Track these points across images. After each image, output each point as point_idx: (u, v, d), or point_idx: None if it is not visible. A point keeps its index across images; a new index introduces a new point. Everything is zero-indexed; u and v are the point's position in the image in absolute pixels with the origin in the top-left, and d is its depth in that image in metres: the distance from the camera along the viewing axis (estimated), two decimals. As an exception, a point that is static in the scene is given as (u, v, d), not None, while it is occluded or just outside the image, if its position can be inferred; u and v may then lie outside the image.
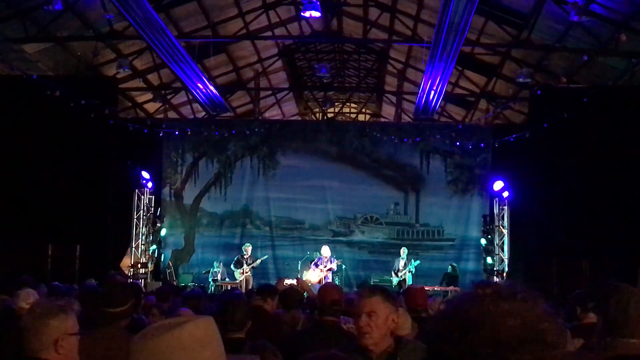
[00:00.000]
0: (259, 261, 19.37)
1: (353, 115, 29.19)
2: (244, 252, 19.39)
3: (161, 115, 22.54)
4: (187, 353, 1.83)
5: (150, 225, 20.52)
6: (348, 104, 28.41)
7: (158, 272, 20.43)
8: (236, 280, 18.90)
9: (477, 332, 1.35)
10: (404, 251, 19.36)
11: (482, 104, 22.78)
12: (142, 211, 20.40)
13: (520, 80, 17.78)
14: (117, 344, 4.26)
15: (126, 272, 19.27)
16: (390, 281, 19.10)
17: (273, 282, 19.91)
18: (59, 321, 3.48)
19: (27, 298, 5.79)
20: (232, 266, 19.26)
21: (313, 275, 18.55)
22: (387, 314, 3.82)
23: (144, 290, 6.94)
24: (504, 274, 19.18)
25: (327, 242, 20.12)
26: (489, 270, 19.77)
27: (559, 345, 1.39)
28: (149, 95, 21.85)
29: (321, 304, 5.11)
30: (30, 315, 3.48)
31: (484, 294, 1.43)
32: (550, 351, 1.36)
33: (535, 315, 1.38)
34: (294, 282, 13.54)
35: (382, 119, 28.01)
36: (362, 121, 27.71)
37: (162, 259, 20.84)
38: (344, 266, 19.69)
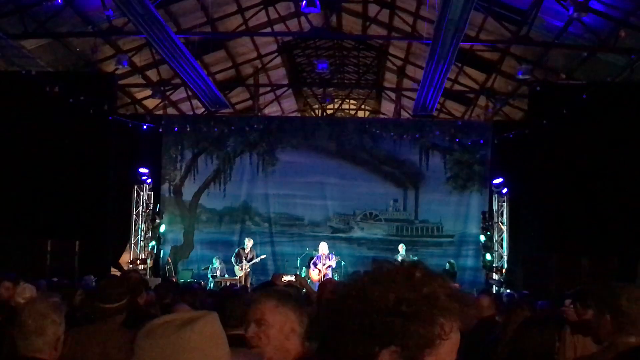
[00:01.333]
0: (258, 259, 19.33)
1: (352, 112, 29.19)
2: (245, 246, 19.39)
3: (160, 112, 22.54)
4: (199, 352, 1.78)
5: (149, 221, 20.56)
6: (347, 100, 28.40)
7: (157, 268, 20.45)
8: (236, 276, 18.91)
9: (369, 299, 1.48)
10: (402, 248, 19.35)
11: (482, 100, 22.76)
12: (141, 207, 20.44)
13: (520, 76, 17.79)
14: (113, 339, 4.26)
15: (125, 268, 19.28)
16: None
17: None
18: (60, 319, 3.46)
19: (23, 292, 5.78)
20: (232, 259, 19.23)
21: (313, 274, 18.57)
22: (282, 323, 3.18)
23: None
24: (503, 270, 19.21)
25: (326, 239, 20.11)
26: (488, 267, 19.79)
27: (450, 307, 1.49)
28: (148, 92, 21.86)
29: (320, 299, 5.11)
30: (32, 314, 3.42)
31: (362, 279, 1.56)
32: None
33: (403, 281, 1.51)
34: (292, 278, 13.51)
35: (382, 116, 28.01)
36: (361, 117, 27.70)
37: (161, 255, 20.85)
38: (343, 262, 19.68)
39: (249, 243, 19.49)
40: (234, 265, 19.16)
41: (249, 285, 17.22)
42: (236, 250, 19.45)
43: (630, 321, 3.32)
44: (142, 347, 1.80)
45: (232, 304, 4.31)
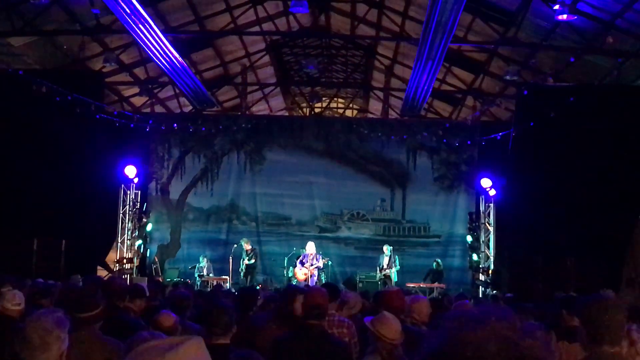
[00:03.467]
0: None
1: (340, 111, 29.18)
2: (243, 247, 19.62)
3: (148, 109, 22.45)
4: None
5: (136, 220, 20.51)
6: (335, 99, 28.38)
7: (144, 267, 20.38)
8: (224, 275, 19.06)
9: (473, 352, 1.33)
10: (387, 248, 19.35)
11: (469, 100, 22.81)
12: (128, 206, 20.38)
13: (507, 77, 17.86)
14: (90, 347, 4.26)
15: (112, 267, 19.23)
16: (376, 277, 19.17)
17: (261, 277, 20.08)
18: (64, 334, 3.45)
19: (13, 299, 5.74)
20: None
21: (299, 274, 18.57)
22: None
23: (147, 292, 6.89)
24: (490, 271, 19.27)
25: (314, 238, 20.13)
26: (475, 267, 19.85)
27: (545, 357, 1.38)
28: (136, 89, 21.78)
29: (304, 308, 5.10)
30: (37, 330, 3.40)
31: (459, 323, 1.40)
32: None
33: (516, 334, 1.37)
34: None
35: (370, 115, 28.01)
36: (349, 117, 27.72)
37: (147, 254, 20.81)
38: (330, 262, 19.71)
39: (246, 245, 19.68)
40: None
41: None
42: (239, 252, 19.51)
43: (601, 330, 3.36)
44: None
45: (218, 313, 4.29)
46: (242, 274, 19.42)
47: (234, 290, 14.74)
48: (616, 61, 16.33)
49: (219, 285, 16.28)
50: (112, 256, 19.68)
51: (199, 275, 19.28)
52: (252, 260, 19.45)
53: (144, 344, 1.88)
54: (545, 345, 1.40)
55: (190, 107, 21.74)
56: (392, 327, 5.08)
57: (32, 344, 3.35)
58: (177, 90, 21.14)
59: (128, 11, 13.64)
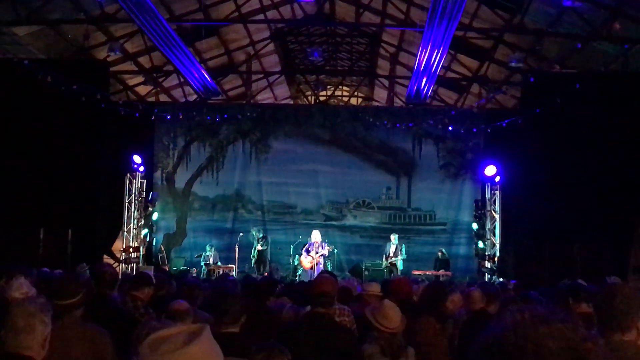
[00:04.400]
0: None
1: (345, 99, 29.12)
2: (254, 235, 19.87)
3: (153, 98, 22.45)
4: None
5: (142, 209, 20.51)
6: (340, 87, 28.32)
7: (150, 256, 20.43)
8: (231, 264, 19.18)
9: (520, 358, 1.34)
10: (394, 237, 19.36)
11: (475, 87, 22.76)
12: (134, 195, 20.39)
13: (513, 64, 17.78)
14: (71, 335, 4.29)
15: (118, 256, 19.27)
16: (381, 265, 19.21)
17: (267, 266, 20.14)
18: (48, 319, 3.50)
19: (20, 288, 5.76)
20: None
21: (305, 262, 18.60)
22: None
23: (153, 280, 6.89)
24: (495, 259, 19.26)
25: (319, 227, 20.15)
26: (481, 255, 19.84)
27: None
28: (141, 78, 21.77)
29: (311, 296, 5.11)
30: (21, 314, 3.47)
31: (522, 318, 1.41)
32: None
33: (577, 337, 1.38)
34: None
35: (375, 103, 27.96)
36: (354, 105, 27.66)
37: (154, 243, 20.84)
38: (336, 250, 19.74)
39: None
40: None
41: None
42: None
43: (611, 318, 3.35)
44: None
45: (227, 302, 4.29)
46: (253, 260, 19.54)
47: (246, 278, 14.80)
48: (622, 48, 16.27)
49: (225, 274, 16.33)
50: (118, 245, 19.71)
51: (205, 264, 19.33)
52: (265, 247, 19.69)
53: (158, 332, 1.90)
54: (604, 352, 1.41)
55: (195, 96, 21.72)
56: (391, 316, 5.09)
57: (17, 328, 3.41)
58: (182, 79, 21.13)
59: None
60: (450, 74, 22.75)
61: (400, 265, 18.93)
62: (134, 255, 19.65)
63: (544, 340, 1.35)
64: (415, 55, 16.92)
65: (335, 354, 4.44)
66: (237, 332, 4.20)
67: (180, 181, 21.73)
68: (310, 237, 19.13)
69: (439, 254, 19.75)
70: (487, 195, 20.30)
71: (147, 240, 20.51)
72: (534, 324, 1.38)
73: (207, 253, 19.60)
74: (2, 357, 3.47)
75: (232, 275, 16.79)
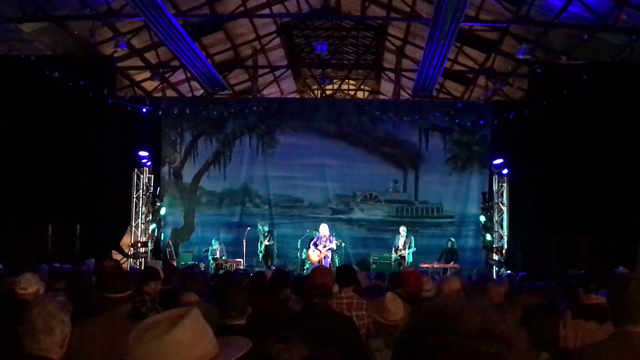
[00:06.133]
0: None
1: (352, 92, 29.12)
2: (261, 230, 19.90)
3: (159, 94, 22.50)
4: (189, 349, 1.89)
5: (149, 204, 20.58)
6: (346, 81, 28.32)
7: (158, 251, 20.51)
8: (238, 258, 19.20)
9: (455, 324, 1.40)
10: (403, 230, 19.37)
11: (481, 80, 22.71)
12: (141, 190, 20.46)
13: (520, 56, 17.71)
14: (117, 330, 4.28)
15: (126, 251, 19.35)
16: (390, 258, 19.21)
17: (275, 260, 20.18)
18: (67, 319, 3.49)
19: (29, 283, 5.79)
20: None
21: (313, 255, 18.61)
22: None
23: (162, 275, 6.92)
24: (503, 251, 19.25)
25: (327, 220, 20.17)
26: (488, 247, 19.83)
27: (518, 347, 1.43)
28: (147, 74, 21.79)
29: (309, 288, 5.15)
30: (41, 313, 3.43)
31: (447, 302, 1.49)
32: (507, 348, 1.39)
33: (495, 316, 1.43)
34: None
35: (381, 96, 27.95)
36: (360, 99, 27.65)
37: (162, 238, 20.92)
38: (343, 244, 19.75)
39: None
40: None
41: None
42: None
43: (624, 309, 3.33)
44: (135, 352, 1.87)
45: (233, 295, 4.31)
46: (261, 255, 19.60)
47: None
48: (629, 38, 16.19)
49: (236, 269, 16.38)
50: (126, 240, 19.79)
51: (212, 258, 19.38)
52: (272, 242, 19.74)
53: (144, 320, 1.93)
54: (519, 335, 1.45)
55: (202, 91, 21.73)
56: (392, 308, 5.08)
57: (37, 328, 3.39)
58: (189, 74, 21.14)
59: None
60: (456, 67, 22.70)
61: (409, 257, 18.93)
62: (142, 250, 19.74)
63: (465, 317, 1.41)
64: (422, 48, 16.90)
65: (336, 343, 4.46)
66: (244, 324, 4.22)
67: (187, 176, 21.76)
68: (317, 230, 19.14)
69: (449, 243, 19.72)
70: (495, 188, 20.29)
71: (155, 235, 20.59)
72: (458, 306, 1.46)
73: (214, 247, 19.65)
74: (21, 358, 3.47)
75: (242, 269, 16.83)
